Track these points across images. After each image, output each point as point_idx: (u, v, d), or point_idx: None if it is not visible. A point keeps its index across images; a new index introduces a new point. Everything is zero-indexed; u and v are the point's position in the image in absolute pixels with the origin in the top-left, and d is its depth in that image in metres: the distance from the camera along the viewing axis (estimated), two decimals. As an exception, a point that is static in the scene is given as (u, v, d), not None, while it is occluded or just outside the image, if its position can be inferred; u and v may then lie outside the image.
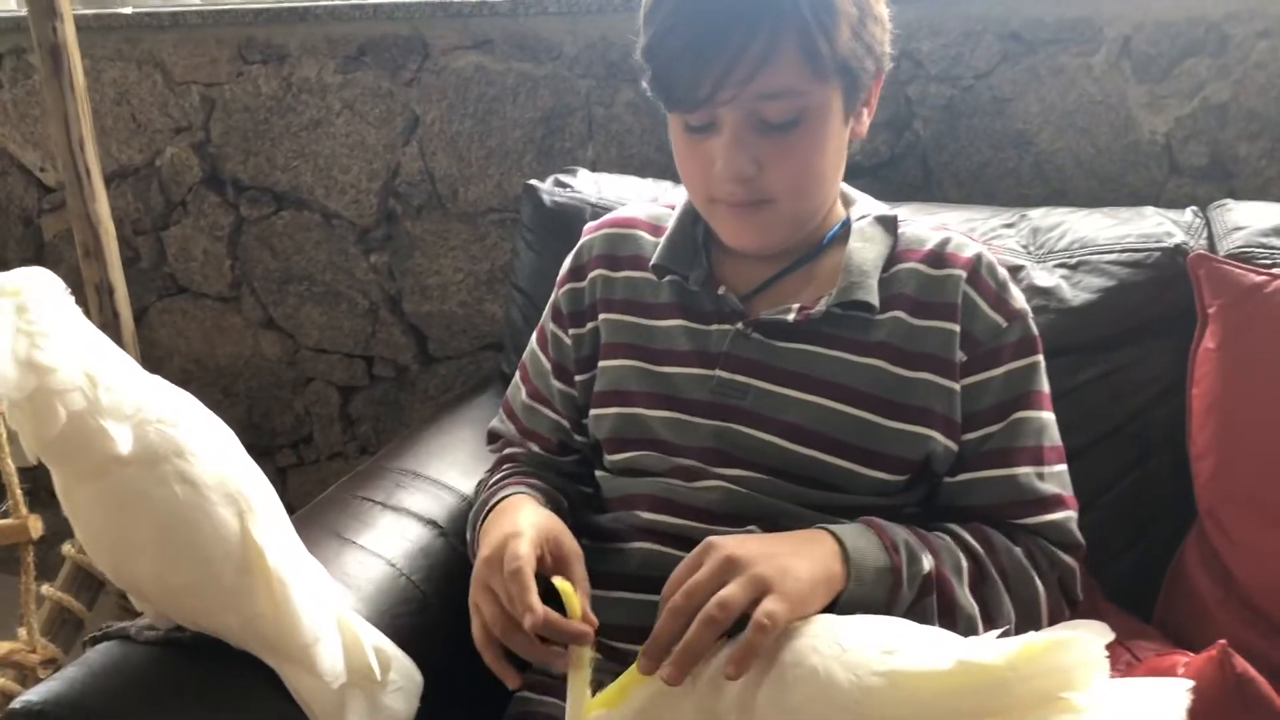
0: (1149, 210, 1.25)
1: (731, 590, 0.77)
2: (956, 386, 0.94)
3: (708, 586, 0.78)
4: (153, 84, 1.93)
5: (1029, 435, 0.95)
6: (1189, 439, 1.14)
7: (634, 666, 0.80)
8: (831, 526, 0.87)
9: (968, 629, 0.88)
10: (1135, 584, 1.15)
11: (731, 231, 0.99)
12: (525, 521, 0.90)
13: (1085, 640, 0.75)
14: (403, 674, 0.99)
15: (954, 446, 0.95)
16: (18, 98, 2.05)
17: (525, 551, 0.85)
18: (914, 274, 0.97)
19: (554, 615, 0.82)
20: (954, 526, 0.94)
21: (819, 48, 0.87)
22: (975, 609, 0.90)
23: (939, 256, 0.97)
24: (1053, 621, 0.93)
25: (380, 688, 0.96)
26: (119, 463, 0.86)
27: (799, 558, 0.82)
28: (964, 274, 0.96)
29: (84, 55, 1.61)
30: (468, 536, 1.06)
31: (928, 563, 0.88)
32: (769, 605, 0.76)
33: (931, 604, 0.88)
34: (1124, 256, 1.18)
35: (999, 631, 0.79)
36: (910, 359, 0.95)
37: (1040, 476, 0.95)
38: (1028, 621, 0.91)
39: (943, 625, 0.86)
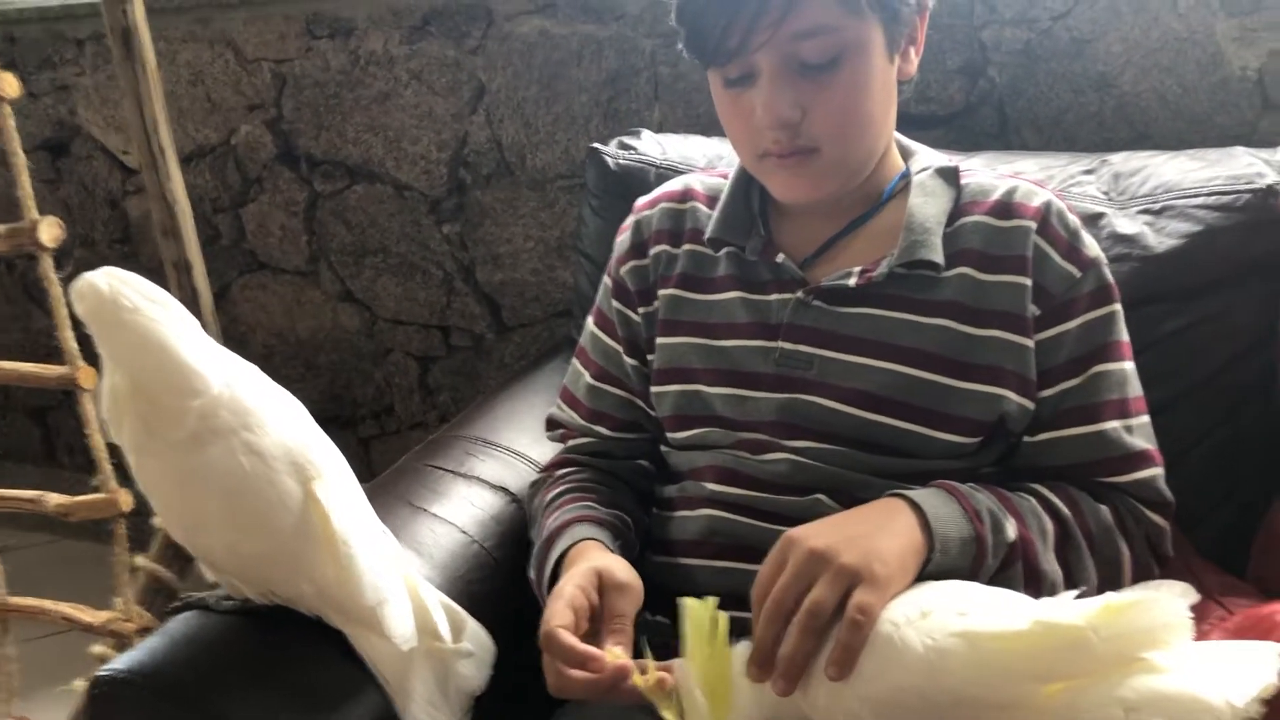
0: (1239, 150, 1.18)
1: (820, 592, 0.76)
2: (1030, 342, 0.91)
3: (796, 587, 0.77)
4: (225, 63, 1.96)
5: (1112, 388, 0.92)
6: (1283, 389, 1.09)
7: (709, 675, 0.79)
8: (907, 493, 0.84)
9: (1049, 595, 0.85)
10: (1227, 541, 1.10)
11: (782, 185, 0.96)
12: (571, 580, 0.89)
13: (1168, 600, 0.73)
14: (476, 642, 0.99)
15: (1029, 405, 0.92)
16: (99, 83, 2.10)
17: (556, 617, 0.85)
18: (980, 227, 0.94)
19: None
20: (1038, 487, 0.91)
21: None
22: (1059, 574, 0.87)
23: (1006, 207, 0.94)
24: (1137, 582, 0.91)
25: (453, 655, 0.97)
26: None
27: (883, 535, 0.80)
28: (1034, 224, 0.92)
29: (158, 38, 1.64)
30: (530, 575, 1.02)
31: (1012, 530, 0.85)
32: (860, 598, 0.75)
33: (1017, 572, 0.86)
34: (1211, 200, 1.12)
35: (1077, 592, 0.76)
36: (979, 316, 0.91)
37: (1129, 430, 0.92)
38: (1109, 585, 0.88)
39: (1026, 593, 0.83)
